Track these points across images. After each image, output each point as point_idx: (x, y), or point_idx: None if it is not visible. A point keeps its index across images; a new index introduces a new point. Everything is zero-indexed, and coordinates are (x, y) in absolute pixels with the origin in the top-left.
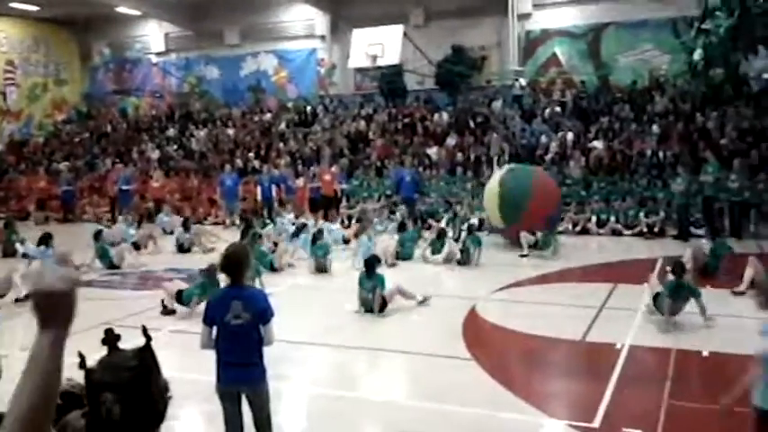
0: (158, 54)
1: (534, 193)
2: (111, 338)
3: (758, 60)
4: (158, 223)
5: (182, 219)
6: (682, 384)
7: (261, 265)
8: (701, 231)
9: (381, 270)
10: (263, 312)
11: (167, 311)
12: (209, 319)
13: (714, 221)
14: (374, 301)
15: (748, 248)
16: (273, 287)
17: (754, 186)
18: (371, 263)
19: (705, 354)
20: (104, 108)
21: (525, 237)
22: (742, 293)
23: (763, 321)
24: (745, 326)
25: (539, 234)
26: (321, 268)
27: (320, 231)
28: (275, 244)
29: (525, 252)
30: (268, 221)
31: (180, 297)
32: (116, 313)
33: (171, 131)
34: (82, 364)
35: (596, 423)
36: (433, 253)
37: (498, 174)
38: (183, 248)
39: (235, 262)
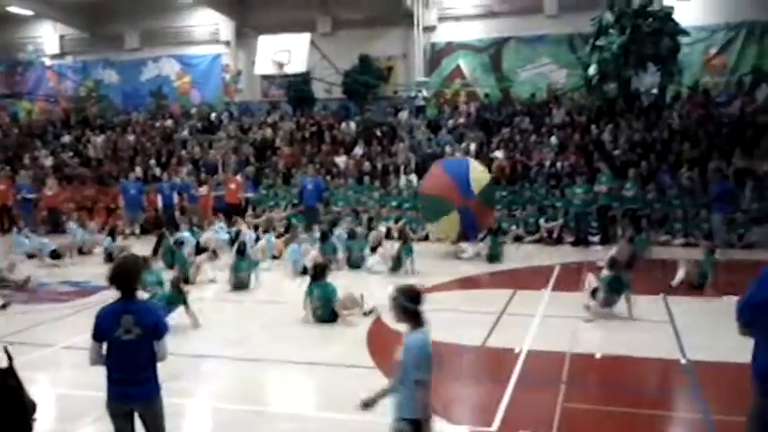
0: (53, 57)
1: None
2: None
3: (647, 76)
4: (70, 233)
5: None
6: (575, 387)
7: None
8: (595, 239)
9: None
10: (155, 327)
11: None
12: (98, 334)
13: (608, 229)
14: (323, 311)
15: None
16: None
17: (645, 195)
18: (322, 270)
19: (598, 356)
20: None
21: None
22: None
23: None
24: (640, 328)
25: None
26: (241, 284)
27: (244, 243)
28: (214, 252)
29: (469, 254)
30: (196, 229)
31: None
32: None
33: (66, 137)
34: None
35: (494, 427)
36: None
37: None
38: (111, 258)
39: (126, 273)
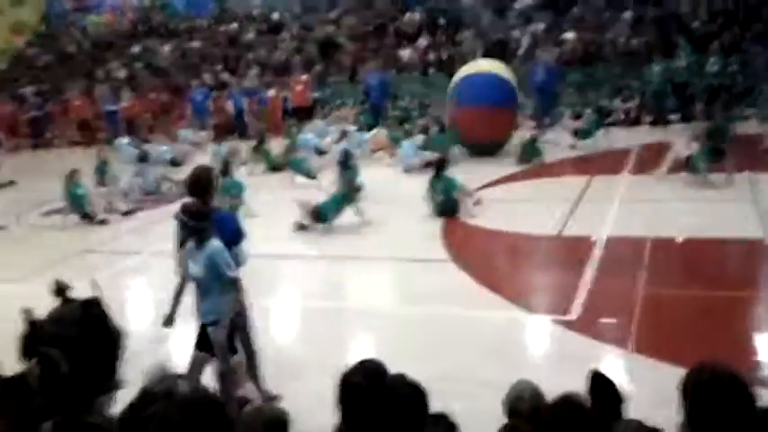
0: None
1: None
2: (60, 289)
3: None
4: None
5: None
6: (657, 272)
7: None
8: (675, 117)
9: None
10: (232, 234)
11: (301, 227)
12: (181, 243)
13: (688, 106)
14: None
15: None
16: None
17: (726, 69)
18: (441, 164)
19: (679, 240)
20: (65, 27)
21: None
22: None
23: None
24: (722, 208)
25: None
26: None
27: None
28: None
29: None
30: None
31: (317, 213)
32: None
33: (135, 48)
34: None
35: (574, 315)
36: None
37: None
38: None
39: (201, 184)
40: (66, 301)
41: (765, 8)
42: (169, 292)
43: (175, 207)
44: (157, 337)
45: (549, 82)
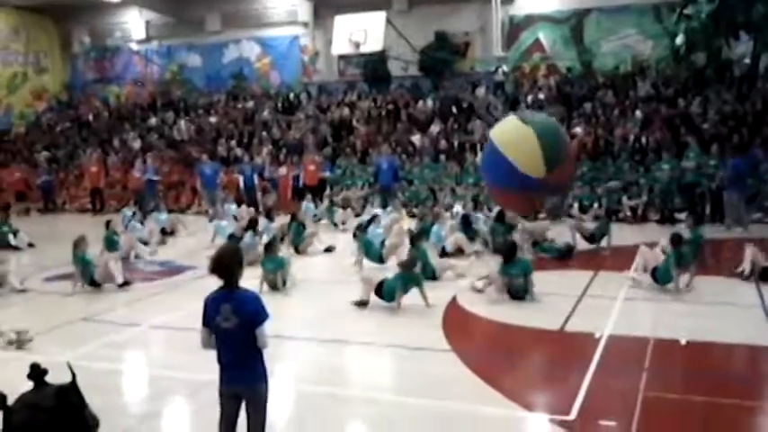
0: (139, 42)
1: (567, 145)
2: (36, 373)
3: (740, 45)
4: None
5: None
6: (659, 374)
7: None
8: (682, 216)
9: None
10: (252, 315)
11: (361, 303)
12: (204, 320)
13: (696, 206)
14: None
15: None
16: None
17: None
18: (514, 249)
19: (683, 342)
20: (85, 97)
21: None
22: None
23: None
24: (729, 312)
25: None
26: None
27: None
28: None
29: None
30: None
31: (379, 289)
32: (92, 308)
33: (153, 120)
34: (1, 404)
35: (573, 415)
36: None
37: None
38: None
39: (225, 264)
40: (41, 385)
41: None
42: (166, 365)
43: (177, 279)
44: (148, 413)
45: None
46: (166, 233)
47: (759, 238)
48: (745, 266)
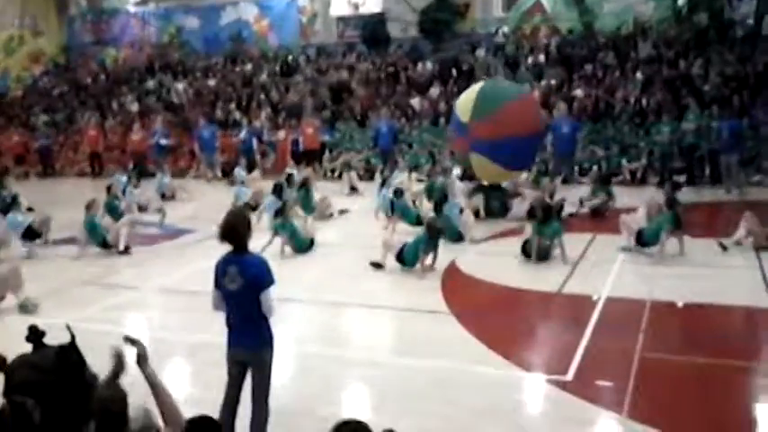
0: (136, 4)
1: (514, 100)
2: (35, 335)
3: (742, 5)
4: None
5: None
6: (655, 336)
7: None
8: (682, 179)
9: None
10: (256, 279)
11: (377, 265)
12: (215, 282)
13: (695, 169)
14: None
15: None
16: None
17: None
18: (549, 210)
19: (680, 304)
20: (83, 60)
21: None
22: (725, 248)
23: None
24: (727, 275)
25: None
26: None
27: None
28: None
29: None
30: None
31: (400, 254)
32: (93, 271)
33: (150, 83)
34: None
35: (569, 376)
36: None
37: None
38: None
39: (234, 229)
40: (40, 347)
41: None
42: (165, 328)
43: (178, 242)
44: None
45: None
46: (166, 198)
47: (755, 201)
48: (740, 234)
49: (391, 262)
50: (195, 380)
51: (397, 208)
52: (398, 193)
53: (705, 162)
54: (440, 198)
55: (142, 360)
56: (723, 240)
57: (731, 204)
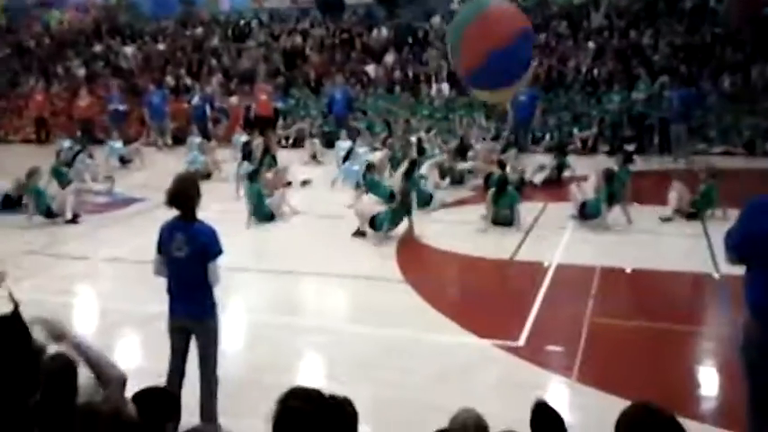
0: None
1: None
2: None
3: None
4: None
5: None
6: (604, 301)
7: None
8: (631, 147)
9: None
10: (204, 248)
11: (359, 233)
12: (159, 247)
13: (644, 138)
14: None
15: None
16: None
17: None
18: (505, 181)
19: (628, 270)
20: (26, 22)
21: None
22: (669, 219)
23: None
24: (674, 242)
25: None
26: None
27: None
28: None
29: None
30: None
31: (373, 222)
32: (40, 241)
33: (98, 47)
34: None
35: (521, 342)
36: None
37: None
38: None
39: (183, 194)
40: None
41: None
42: (116, 298)
43: (127, 211)
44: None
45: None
46: (125, 161)
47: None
48: (672, 203)
49: (345, 231)
50: (147, 351)
51: (368, 183)
52: (370, 167)
53: (654, 131)
54: (410, 166)
55: (58, 337)
56: (663, 214)
57: (678, 172)
